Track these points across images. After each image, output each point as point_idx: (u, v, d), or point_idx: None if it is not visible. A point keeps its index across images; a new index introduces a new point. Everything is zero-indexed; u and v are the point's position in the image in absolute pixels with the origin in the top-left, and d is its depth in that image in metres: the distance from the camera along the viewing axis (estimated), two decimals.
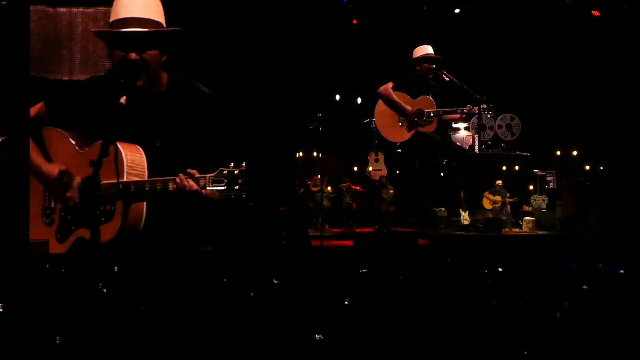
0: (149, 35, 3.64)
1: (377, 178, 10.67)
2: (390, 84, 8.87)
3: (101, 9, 6.81)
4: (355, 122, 10.78)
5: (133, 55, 3.60)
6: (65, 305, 3.10)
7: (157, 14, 3.73)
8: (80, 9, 6.80)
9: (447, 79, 8.91)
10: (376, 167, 10.75)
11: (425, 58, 8.79)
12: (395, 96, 8.81)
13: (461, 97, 8.97)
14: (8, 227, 3.33)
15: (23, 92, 3.41)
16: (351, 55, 11.86)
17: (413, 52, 8.94)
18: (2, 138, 3.31)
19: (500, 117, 11.53)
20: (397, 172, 10.01)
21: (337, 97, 12.20)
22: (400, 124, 8.80)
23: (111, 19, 3.71)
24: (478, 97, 8.79)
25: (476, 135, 10.18)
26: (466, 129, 10.52)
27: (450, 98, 9.12)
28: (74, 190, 3.70)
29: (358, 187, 11.16)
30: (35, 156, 3.78)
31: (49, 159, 3.85)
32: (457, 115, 9.01)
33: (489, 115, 9.19)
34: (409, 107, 8.71)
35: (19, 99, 3.36)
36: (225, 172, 3.35)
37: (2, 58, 3.34)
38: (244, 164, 3.34)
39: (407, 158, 9.31)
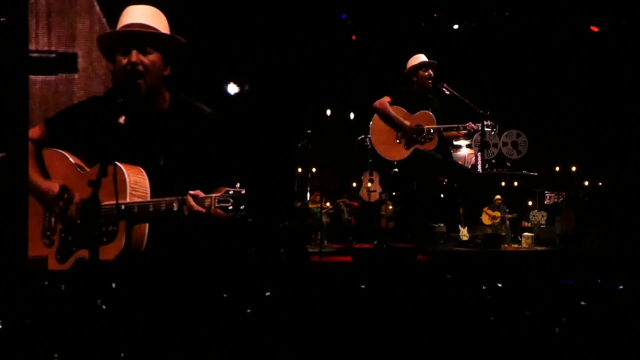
0: (150, 36, 3.66)
1: (372, 200, 10.54)
2: (386, 98, 8.46)
3: (63, 75, 6.73)
4: (348, 138, 10.40)
5: (134, 56, 3.62)
6: (65, 322, 3.10)
7: (161, 24, 3.76)
8: (40, 78, 6.73)
9: (448, 92, 8.40)
10: (371, 188, 10.56)
11: (421, 65, 8.40)
12: (392, 110, 8.46)
13: (463, 113, 8.62)
14: (7, 243, 3.32)
15: (22, 108, 3.41)
16: (347, 70, 11.81)
17: (407, 63, 8.57)
18: (1, 155, 3.31)
19: (505, 133, 11.30)
20: (394, 193, 9.72)
21: (328, 112, 12.10)
22: (397, 141, 8.36)
23: (117, 29, 3.74)
24: (481, 112, 8.32)
25: (479, 153, 9.85)
26: (468, 146, 10.29)
27: (451, 113, 8.75)
28: (74, 208, 3.69)
29: (355, 203, 11.14)
30: (35, 175, 3.78)
31: (48, 179, 3.84)
32: (460, 133, 8.61)
33: (493, 132, 8.91)
34: (407, 122, 8.28)
35: (18, 115, 3.36)
36: (231, 192, 3.35)
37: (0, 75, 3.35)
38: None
39: (405, 178, 8.86)
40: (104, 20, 6.67)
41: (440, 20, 11.58)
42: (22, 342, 3.01)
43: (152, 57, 3.69)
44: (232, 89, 8.69)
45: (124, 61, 3.66)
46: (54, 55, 6.66)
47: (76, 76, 6.63)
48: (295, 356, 3.16)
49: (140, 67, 3.65)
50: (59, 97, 6.62)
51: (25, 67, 3.52)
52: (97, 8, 6.70)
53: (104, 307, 3.17)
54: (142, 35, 3.66)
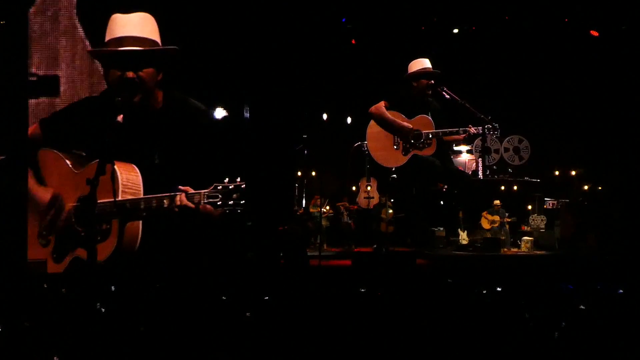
0: (145, 54, 3.65)
1: (370, 206, 10.49)
2: (383, 103, 7.92)
3: (44, 99, 6.63)
4: (345, 142, 10.12)
5: (130, 74, 3.61)
6: (64, 324, 3.10)
7: (152, 32, 3.74)
8: None
9: (448, 96, 7.91)
10: (369, 195, 10.48)
11: (423, 73, 7.87)
12: (389, 114, 7.88)
13: (463, 117, 8.32)
14: (6, 247, 3.33)
15: (21, 111, 3.42)
16: (345, 74, 11.79)
17: (408, 66, 8.06)
18: (1, 158, 3.32)
19: (507, 139, 11.20)
20: (392, 200, 9.58)
21: (325, 116, 12.05)
22: (395, 147, 7.82)
23: (107, 38, 3.71)
24: (482, 116, 7.90)
25: (480, 159, 9.67)
26: (469, 152, 10.20)
27: (451, 117, 8.46)
28: (65, 216, 3.69)
29: (355, 206, 11.15)
30: (29, 178, 3.77)
31: (42, 181, 3.84)
32: (459, 137, 8.27)
33: (494, 137, 8.67)
34: (407, 124, 7.75)
35: (17, 118, 3.36)
36: (219, 187, 3.36)
37: (0, 78, 3.35)
38: (238, 179, 3.33)
39: (403, 184, 8.41)
40: (87, 42, 6.55)
41: (440, 24, 11.58)
42: (22, 344, 3.01)
43: (147, 70, 3.69)
44: (220, 113, 8.58)
45: (118, 73, 3.65)
46: (35, 78, 6.53)
47: (58, 100, 6.49)
48: (294, 359, 3.16)
49: (136, 80, 3.64)
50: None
51: (25, 72, 3.52)
52: (80, 30, 6.57)
53: (102, 309, 3.17)
54: (138, 54, 3.64)
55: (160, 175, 3.66)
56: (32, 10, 6.49)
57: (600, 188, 11.34)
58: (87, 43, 6.52)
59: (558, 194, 10.85)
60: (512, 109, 11.53)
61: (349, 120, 11.92)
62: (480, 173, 9.66)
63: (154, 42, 3.71)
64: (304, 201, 10.92)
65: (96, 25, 4.05)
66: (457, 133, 7.85)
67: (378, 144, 7.98)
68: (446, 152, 8.39)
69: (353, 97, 11.40)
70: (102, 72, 6.50)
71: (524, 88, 11.92)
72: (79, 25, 6.56)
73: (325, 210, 10.44)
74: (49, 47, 6.55)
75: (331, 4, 10.67)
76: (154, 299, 3.41)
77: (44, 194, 3.74)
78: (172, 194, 3.45)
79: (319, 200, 10.58)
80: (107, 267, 3.41)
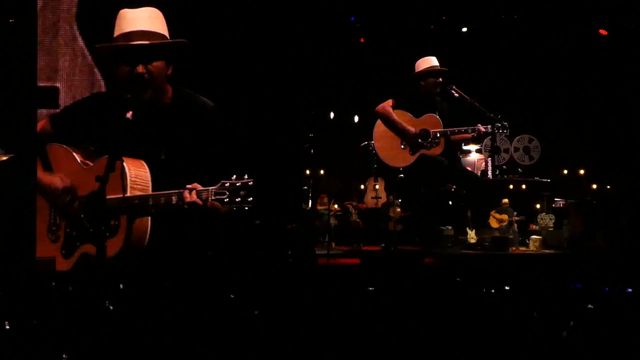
0: (155, 48, 3.66)
1: (378, 206, 10.45)
2: (389, 102, 7.76)
3: (43, 110, 6.59)
4: (353, 142, 10.06)
5: (140, 69, 3.62)
6: (72, 322, 3.11)
7: (160, 26, 3.76)
8: None
9: (457, 95, 7.56)
10: (375, 195, 10.43)
11: (431, 71, 7.73)
12: (395, 115, 7.75)
13: (472, 116, 8.18)
14: (15, 244, 3.34)
15: (30, 110, 3.43)
16: (353, 72, 11.78)
17: (415, 65, 7.91)
18: (10, 155, 3.33)
19: (517, 138, 11.11)
20: (400, 200, 9.53)
21: (332, 115, 12.02)
22: (402, 146, 7.69)
23: (115, 34, 3.73)
24: (491, 115, 7.63)
25: (489, 158, 9.59)
26: (478, 151, 10.14)
27: (459, 116, 8.34)
28: (78, 204, 3.69)
29: (364, 205, 11.13)
30: (38, 170, 3.78)
31: (51, 173, 3.85)
32: (468, 136, 8.12)
33: (503, 136, 8.57)
34: (411, 128, 7.61)
35: (26, 117, 3.37)
36: (227, 184, 3.37)
37: (10, 77, 3.36)
38: (246, 176, 3.34)
39: (411, 184, 8.27)
40: (87, 53, 6.49)
41: (449, 23, 11.57)
42: (30, 343, 3.02)
43: (156, 64, 3.70)
44: None
45: (128, 69, 3.66)
46: None
47: (57, 111, 6.41)
48: (302, 358, 3.17)
49: (147, 76, 3.66)
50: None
51: (34, 71, 3.54)
52: (80, 41, 6.51)
53: (110, 307, 3.18)
54: (148, 48, 3.66)
55: (169, 172, 3.67)
56: None
57: (608, 187, 11.31)
58: (87, 53, 6.49)
59: (567, 193, 10.82)
60: (522, 108, 11.49)
61: (356, 119, 11.91)
62: (489, 173, 9.60)
63: (162, 35, 3.73)
64: (310, 200, 10.90)
65: (98, 32, 4.05)
66: (466, 132, 7.77)
67: (385, 143, 7.87)
68: (455, 151, 8.31)
69: (360, 96, 11.39)
70: (102, 84, 6.50)
71: (534, 87, 11.89)
72: (79, 35, 6.52)
73: (333, 208, 10.42)
74: (48, 58, 6.50)
75: (340, 3, 10.66)
76: (162, 297, 3.42)
77: (53, 180, 3.74)
78: (180, 190, 3.46)
79: (325, 198, 10.57)
80: (116, 264, 3.41)
